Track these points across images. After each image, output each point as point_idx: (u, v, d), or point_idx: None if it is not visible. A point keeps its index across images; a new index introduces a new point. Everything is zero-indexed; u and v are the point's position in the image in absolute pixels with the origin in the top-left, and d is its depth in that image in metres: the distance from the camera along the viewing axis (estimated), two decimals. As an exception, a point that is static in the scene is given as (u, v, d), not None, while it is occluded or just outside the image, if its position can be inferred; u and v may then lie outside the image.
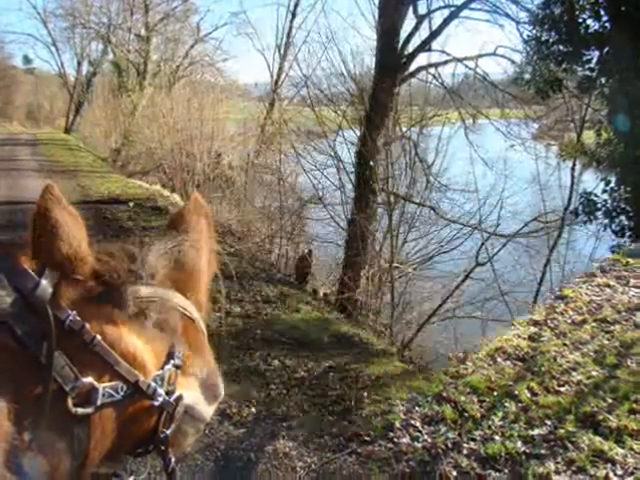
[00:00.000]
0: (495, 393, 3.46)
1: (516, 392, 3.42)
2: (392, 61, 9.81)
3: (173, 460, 0.75)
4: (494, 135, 12.40)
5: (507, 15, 10.26)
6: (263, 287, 6.54)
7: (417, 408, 3.45)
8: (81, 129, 30.04)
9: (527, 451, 2.87)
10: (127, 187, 12.97)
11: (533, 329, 4.32)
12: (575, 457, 2.75)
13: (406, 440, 3.08)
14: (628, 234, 5.75)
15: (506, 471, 2.76)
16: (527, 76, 6.98)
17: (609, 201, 5.81)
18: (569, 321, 4.35)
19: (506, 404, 3.31)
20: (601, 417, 2.99)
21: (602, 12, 5.65)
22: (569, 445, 2.81)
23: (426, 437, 3.07)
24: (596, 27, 5.74)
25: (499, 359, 3.95)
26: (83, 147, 23.97)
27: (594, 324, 4.22)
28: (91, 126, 26.05)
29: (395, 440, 3.11)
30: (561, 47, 5.91)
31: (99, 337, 0.65)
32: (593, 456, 2.73)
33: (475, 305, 9.07)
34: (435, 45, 10.69)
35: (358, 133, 10.92)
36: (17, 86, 39.61)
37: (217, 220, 11.22)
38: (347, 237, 10.04)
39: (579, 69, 6.12)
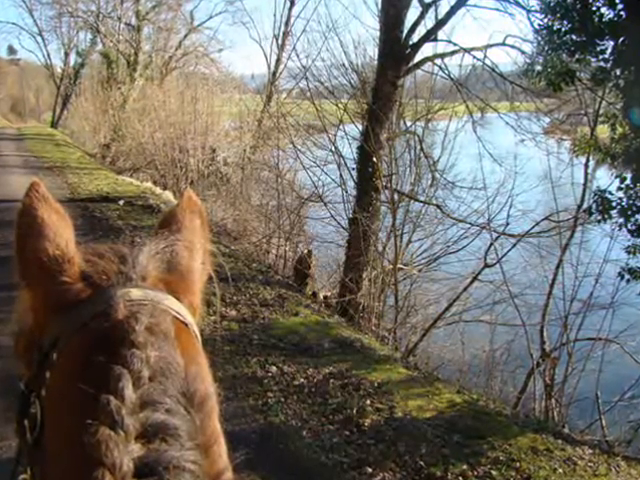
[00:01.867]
0: None
1: None
2: (396, 51, 9.80)
3: None
4: (503, 129, 12.41)
5: (517, 3, 10.27)
6: (260, 289, 6.55)
7: None
8: (68, 123, 30.06)
9: None
10: (117, 184, 12.98)
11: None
12: None
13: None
14: (644, 234, 5.75)
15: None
16: (538, 67, 6.96)
17: (624, 199, 5.79)
18: None
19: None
20: None
21: (617, 0, 5.65)
22: None
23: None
24: (611, 16, 5.72)
25: None
26: (70, 142, 23.98)
27: None
28: (79, 120, 26.05)
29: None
30: (574, 37, 5.90)
31: None
32: None
33: (483, 308, 9.07)
34: (441, 35, 10.68)
35: (360, 127, 10.92)
36: (1, 78, 39.64)
37: (212, 219, 11.24)
38: (348, 237, 10.04)
39: (593, 60, 6.11)
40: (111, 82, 24.80)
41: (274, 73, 20.51)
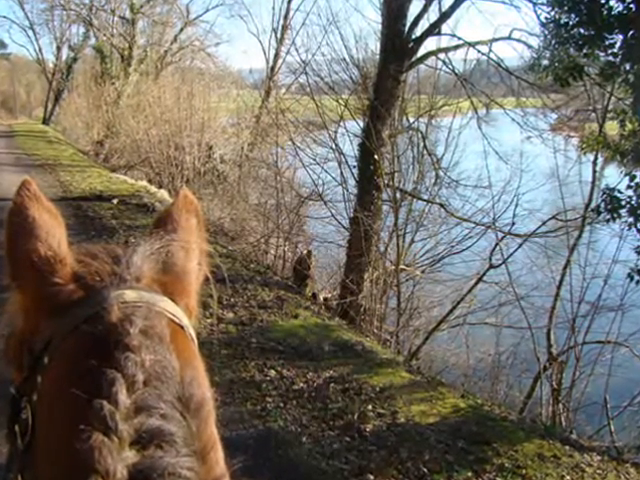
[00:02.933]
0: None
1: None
2: (398, 46, 9.80)
3: None
4: (509, 126, 12.39)
5: (523, -5, 10.27)
6: (258, 291, 6.55)
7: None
8: (60, 120, 30.12)
9: None
10: (111, 182, 12.99)
11: None
12: None
13: None
14: (654, 234, 5.75)
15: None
16: (545, 62, 6.95)
17: (634, 197, 5.78)
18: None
19: None
20: None
21: (626, -8, 5.65)
22: None
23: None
24: (620, 9, 5.71)
25: None
26: (63, 139, 24.01)
27: None
28: (72, 116, 26.09)
29: None
30: (582, 30, 5.89)
31: None
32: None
33: (488, 311, 9.07)
34: (445, 28, 10.67)
35: (361, 124, 10.92)
36: (-9, 73, 39.62)
37: (208, 219, 11.24)
38: (349, 237, 10.05)
39: (601, 54, 6.10)
40: (105, 77, 24.80)
41: (273, 68, 20.54)
